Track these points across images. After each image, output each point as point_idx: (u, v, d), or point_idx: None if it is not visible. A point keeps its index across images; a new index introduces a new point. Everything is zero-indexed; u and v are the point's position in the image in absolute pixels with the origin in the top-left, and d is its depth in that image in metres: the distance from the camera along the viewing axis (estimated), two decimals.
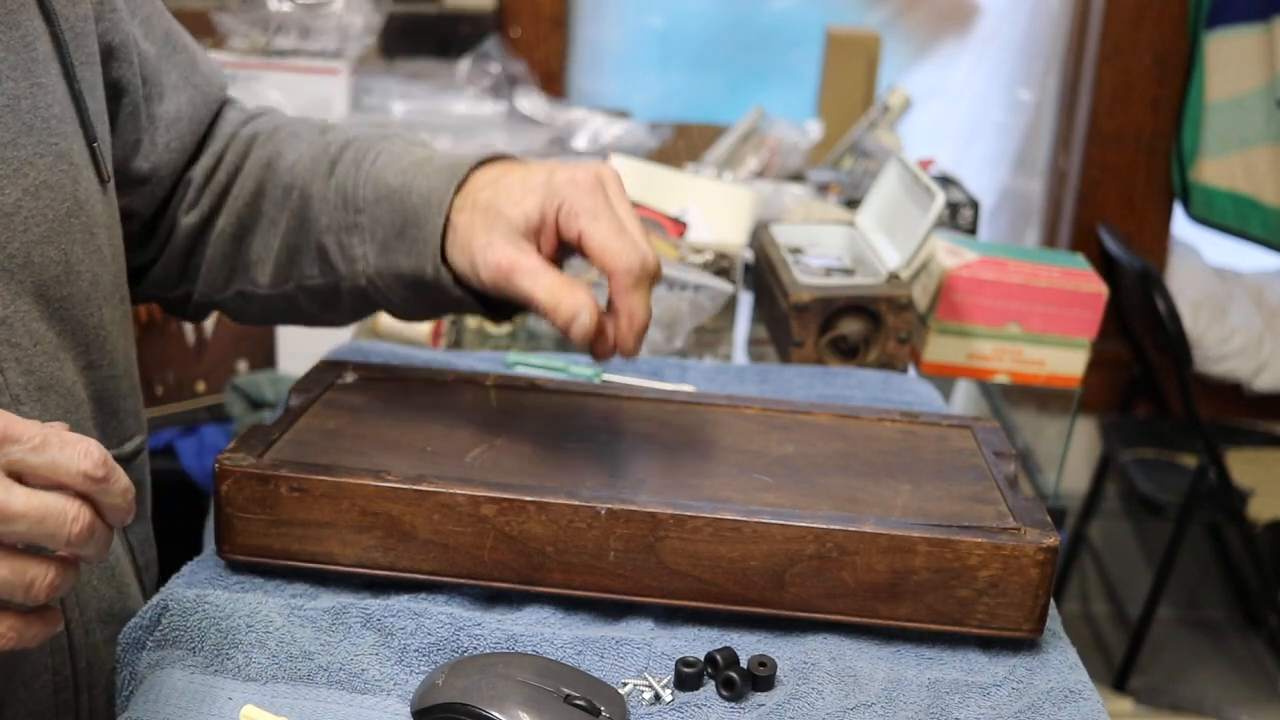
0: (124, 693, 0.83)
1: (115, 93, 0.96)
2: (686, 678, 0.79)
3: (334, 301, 1.00)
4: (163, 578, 0.88)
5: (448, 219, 0.91)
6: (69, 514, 0.66)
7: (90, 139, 0.90)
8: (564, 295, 0.85)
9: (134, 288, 1.01)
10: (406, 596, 0.85)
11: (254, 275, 1.02)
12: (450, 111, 2.05)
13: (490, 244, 0.87)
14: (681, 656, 0.80)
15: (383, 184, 0.94)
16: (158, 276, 1.06)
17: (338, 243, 0.96)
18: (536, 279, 0.86)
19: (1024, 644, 0.85)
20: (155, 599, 0.83)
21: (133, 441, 0.97)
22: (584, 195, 0.86)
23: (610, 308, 0.86)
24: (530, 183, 0.88)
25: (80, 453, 0.66)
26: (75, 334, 0.89)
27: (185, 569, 0.88)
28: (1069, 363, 1.49)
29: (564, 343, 1.43)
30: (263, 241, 1.01)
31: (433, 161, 0.94)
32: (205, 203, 1.03)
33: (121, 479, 0.68)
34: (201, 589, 0.84)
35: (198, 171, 1.03)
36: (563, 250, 0.91)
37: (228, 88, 1.08)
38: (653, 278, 0.86)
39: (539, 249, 0.88)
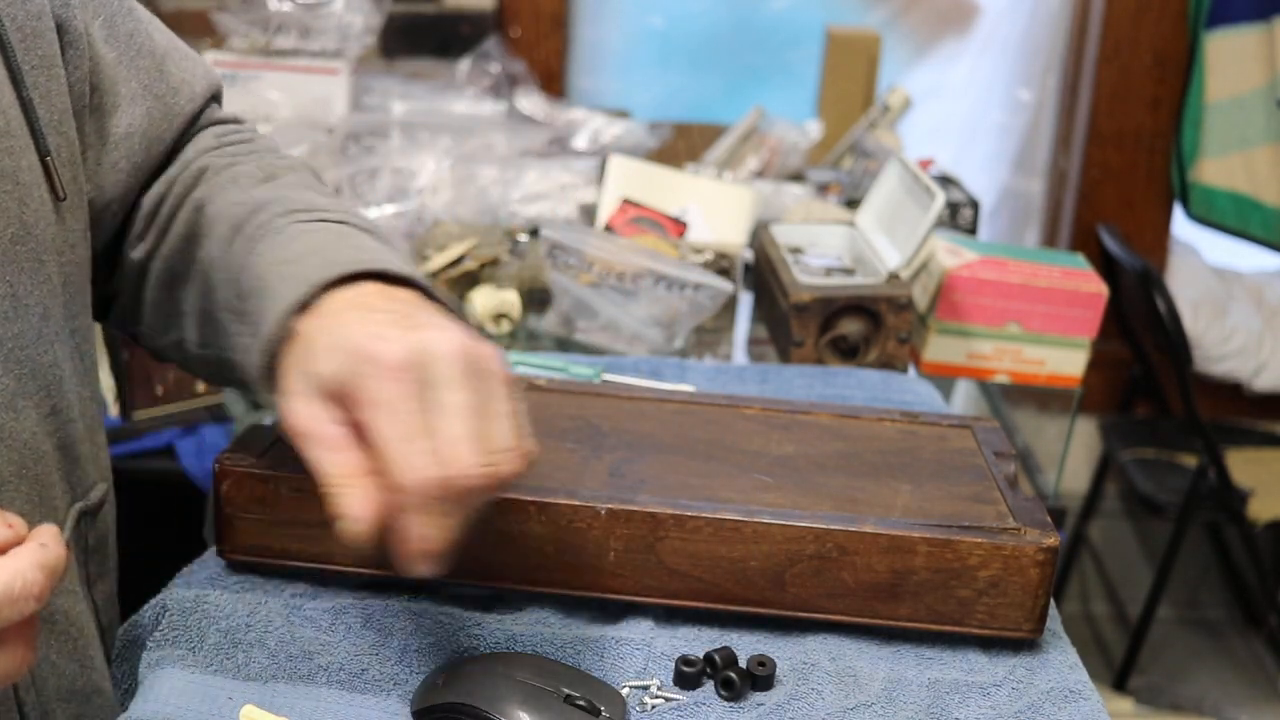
0: (123, 692, 0.83)
1: None
2: (686, 677, 0.79)
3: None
4: (163, 578, 0.87)
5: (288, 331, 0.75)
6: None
7: (43, 152, 0.81)
8: (348, 486, 0.69)
9: (103, 320, 0.95)
10: (406, 596, 0.85)
11: (184, 328, 0.89)
12: (450, 111, 2.05)
13: (294, 394, 0.72)
14: (681, 656, 0.80)
15: (257, 275, 0.79)
16: (121, 311, 0.95)
17: (232, 325, 0.81)
18: (327, 452, 0.70)
19: (1024, 644, 0.85)
20: (155, 599, 0.83)
21: (97, 490, 0.88)
22: (383, 383, 0.68)
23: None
24: (342, 341, 0.71)
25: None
26: (33, 376, 0.80)
27: (185, 569, 0.88)
28: (1069, 362, 1.49)
29: (564, 343, 1.43)
30: (191, 293, 0.88)
31: (307, 260, 0.77)
32: (150, 238, 0.91)
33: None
34: (201, 589, 0.84)
35: (148, 198, 0.92)
36: None
37: (210, 97, 0.96)
38: (460, 497, 0.68)
39: (346, 410, 0.71)
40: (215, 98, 0.97)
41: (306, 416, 0.71)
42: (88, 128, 0.86)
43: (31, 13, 0.81)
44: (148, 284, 0.91)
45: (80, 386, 0.86)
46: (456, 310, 0.76)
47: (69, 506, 0.85)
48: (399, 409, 0.67)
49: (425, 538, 0.68)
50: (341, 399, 0.70)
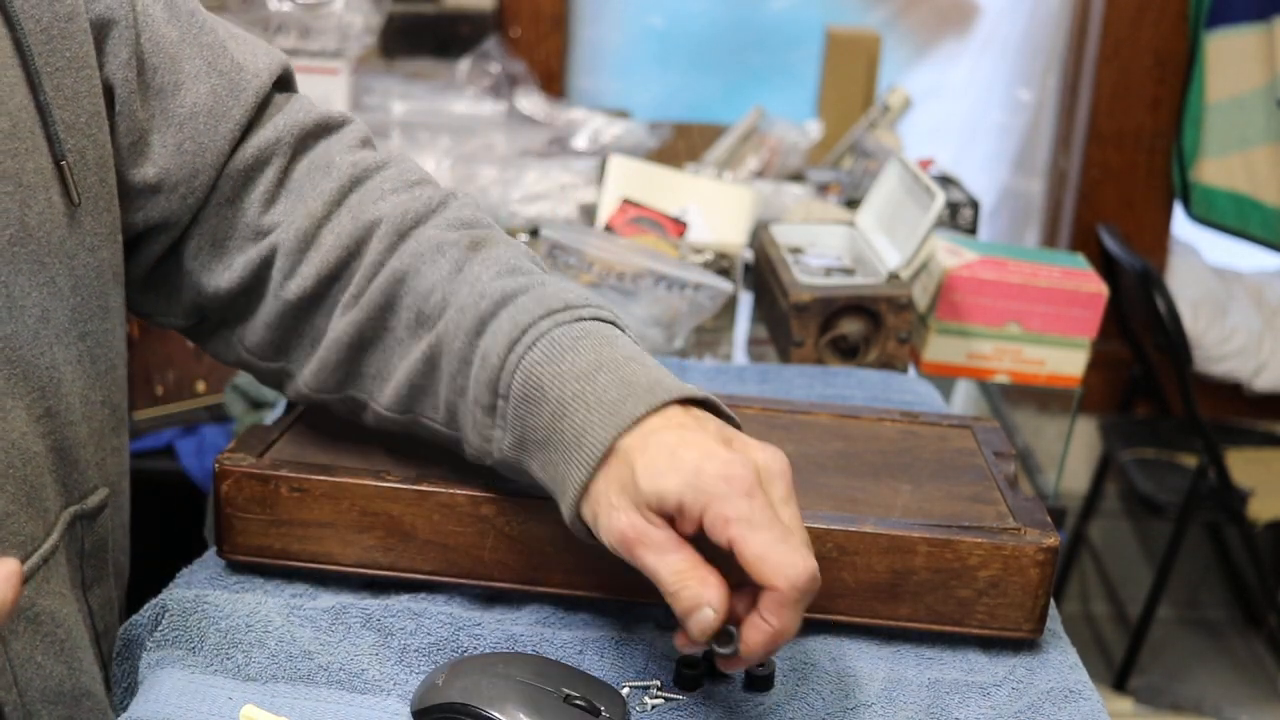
0: (122, 691, 0.83)
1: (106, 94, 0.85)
2: (687, 678, 0.79)
3: (451, 438, 0.86)
4: (163, 578, 0.87)
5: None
6: None
7: (58, 156, 0.80)
8: (691, 581, 0.72)
9: (201, 323, 0.93)
10: (406, 596, 0.85)
11: (371, 389, 0.88)
12: (450, 111, 2.05)
13: (616, 509, 0.74)
14: (682, 656, 0.80)
15: (534, 384, 0.78)
16: (255, 337, 0.91)
17: (471, 415, 0.81)
18: (663, 555, 0.73)
19: (1024, 644, 0.85)
20: (155, 599, 0.83)
21: (96, 495, 0.87)
22: (739, 499, 0.72)
23: (752, 616, 0.73)
24: (678, 461, 0.74)
25: None
26: (26, 377, 0.79)
27: (185, 569, 0.88)
28: (1069, 362, 1.49)
29: None
30: (384, 360, 0.87)
31: (597, 378, 0.77)
32: (308, 283, 0.88)
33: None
34: (201, 589, 0.84)
35: (291, 233, 0.88)
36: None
37: (280, 77, 0.93)
38: (811, 595, 0.73)
39: (672, 524, 0.74)
40: (286, 80, 0.94)
41: (639, 523, 0.74)
42: (149, 108, 0.86)
43: (60, 14, 0.80)
44: (317, 337, 0.89)
45: (88, 390, 0.85)
46: (738, 423, 0.80)
47: (61, 509, 0.84)
48: (760, 522, 0.72)
49: (785, 633, 0.73)
50: (674, 517, 0.74)
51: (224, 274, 0.90)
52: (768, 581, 0.71)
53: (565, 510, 0.77)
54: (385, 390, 0.86)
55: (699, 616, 0.72)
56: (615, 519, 0.74)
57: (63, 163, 0.80)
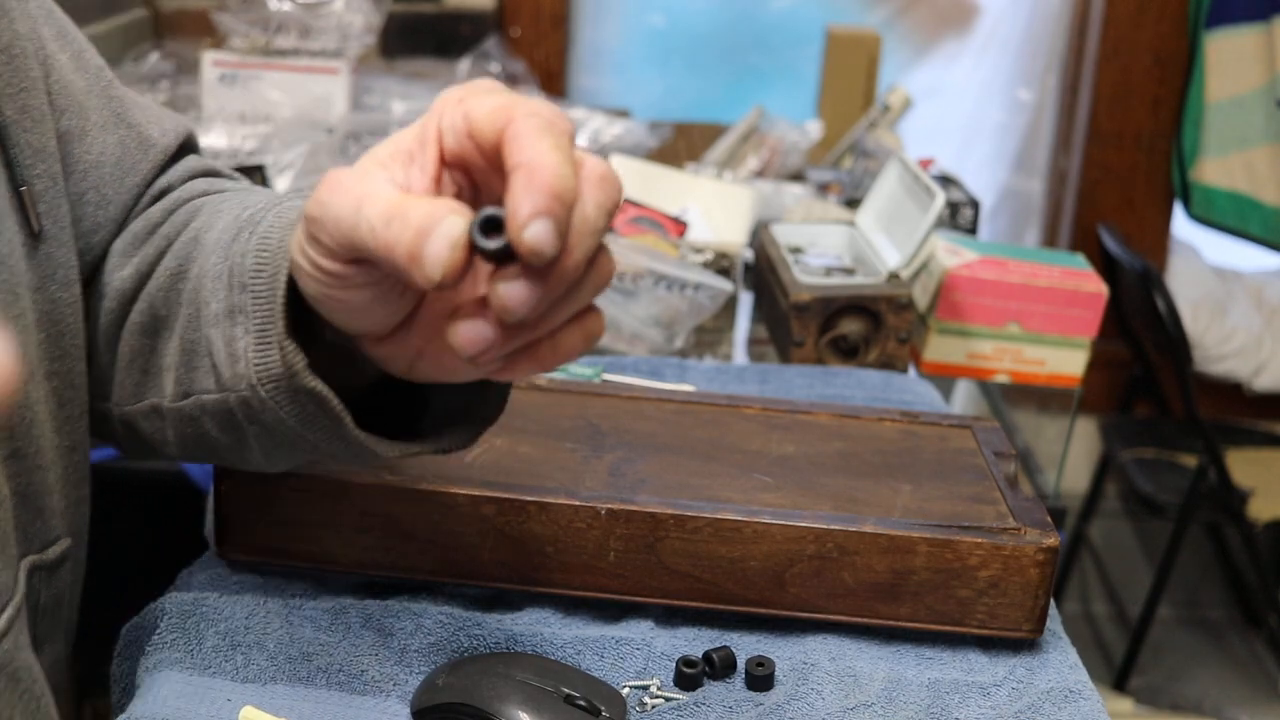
0: (121, 691, 0.83)
1: None
2: (687, 678, 0.79)
3: (232, 425, 0.73)
4: (163, 579, 0.87)
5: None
6: None
7: (18, 182, 0.73)
8: (410, 200, 0.57)
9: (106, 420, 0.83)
10: (406, 596, 0.85)
11: (164, 384, 0.77)
12: None
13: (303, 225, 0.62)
14: (682, 656, 0.80)
15: (266, 247, 0.68)
16: (116, 387, 0.81)
17: (224, 335, 0.70)
18: (371, 198, 0.58)
19: (1024, 644, 0.85)
20: (155, 601, 0.83)
21: (58, 546, 0.78)
22: (471, 85, 0.60)
23: (502, 178, 0.56)
24: (402, 130, 0.62)
25: None
26: None
27: (185, 570, 0.88)
28: (1069, 362, 1.49)
29: None
30: (169, 336, 0.77)
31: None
32: (135, 263, 0.79)
33: None
34: (201, 589, 0.84)
35: (139, 222, 0.81)
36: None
37: (184, 141, 0.87)
38: (568, 134, 0.57)
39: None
40: (191, 145, 0.88)
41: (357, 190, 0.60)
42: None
43: (20, 33, 0.75)
44: (125, 333, 0.79)
45: (57, 435, 0.78)
46: None
47: (20, 558, 0.75)
48: (499, 91, 0.59)
49: (541, 167, 0.55)
50: (408, 159, 0.60)
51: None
52: (507, 115, 0.57)
53: (276, 320, 0.65)
54: (169, 377, 0.76)
55: (442, 227, 0.55)
56: (322, 210, 0.60)
57: (22, 189, 0.74)
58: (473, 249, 0.55)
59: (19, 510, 0.74)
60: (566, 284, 0.58)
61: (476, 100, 0.58)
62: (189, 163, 0.86)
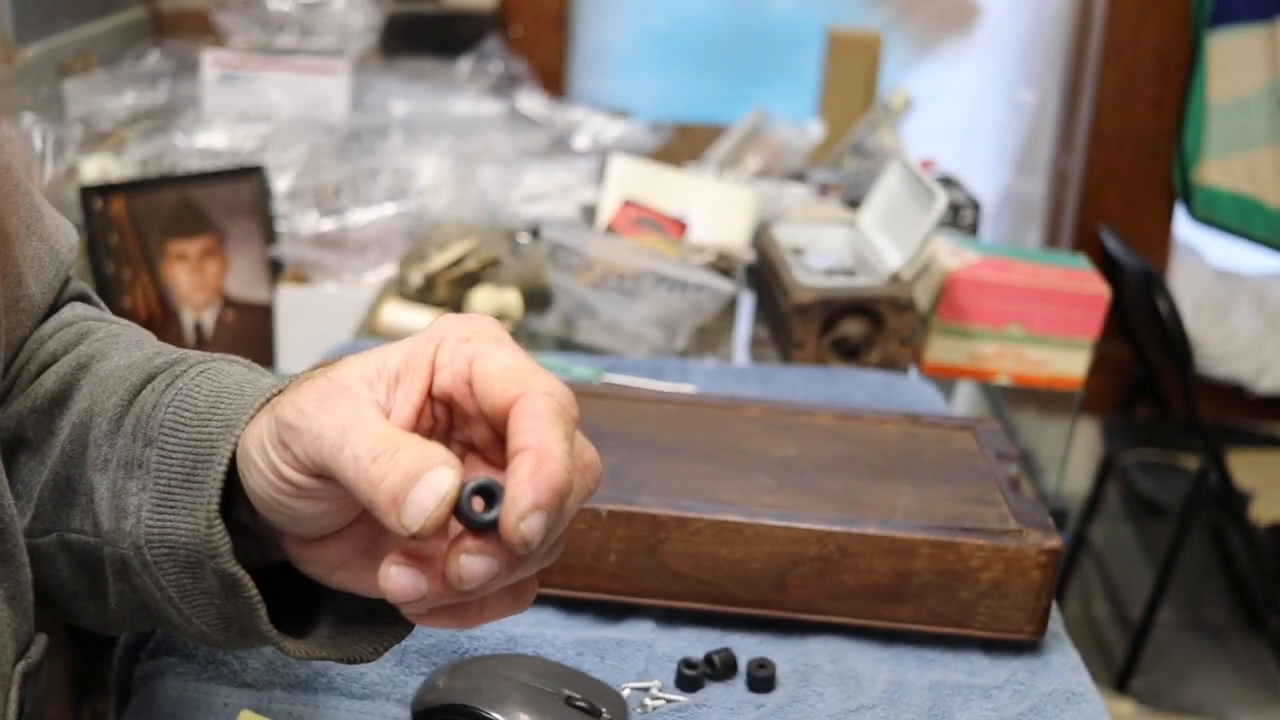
0: (117, 700, 0.83)
1: None
2: (688, 679, 0.79)
3: (94, 574, 0.67)
4: None
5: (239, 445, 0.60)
6: None
7: None
8: (401, 442, 0.54)
9: None
10: None
11: (22, 514, 0.69)
12: (450, 111, 2.05)
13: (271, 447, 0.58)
14: (683, 658, 0.80)
15: (188, 408, 0.63)
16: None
17: (112, 484, 0.64)
18: (358, 433, 0.55)
19: (1026, 646, 0.85)
20: None
21: (37, 645, 0.70)
22: (476, 324, 0.59)
23: (511, 471, 0.54)
24: (388, 346, 0.59)
25: None
26: None
27: None
28: (1070, 364, 1.49)
29: (565, 343, 1.43)
30: (36, 464, 0.69)
31: (262, 382, 0.64)
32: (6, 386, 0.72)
33: None
34: None
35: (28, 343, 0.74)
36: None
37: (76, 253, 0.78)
38: (575, 422, 0.56)
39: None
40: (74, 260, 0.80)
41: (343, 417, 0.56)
42: None
43: None
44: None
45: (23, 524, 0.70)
46: None
47: (13, 666, 0.68)
48: (505, 343, 0.59)
49: (550, 454, 0.55)
50: (392, 383, 0.58)
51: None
52: (520, 388, 0.56)
53: (203, 514, 0.60)
54: (29, 506, 0.69)
55: (432, 478, 0.53)
56: (274, 450, 0.57)
57: None
58: (456, 509, 0.53)
59: (11, 617, 0.67)
60: (525, 563, 0.57)
61: (486, 351, 0.57)
62: (74, 284, 0.80)
